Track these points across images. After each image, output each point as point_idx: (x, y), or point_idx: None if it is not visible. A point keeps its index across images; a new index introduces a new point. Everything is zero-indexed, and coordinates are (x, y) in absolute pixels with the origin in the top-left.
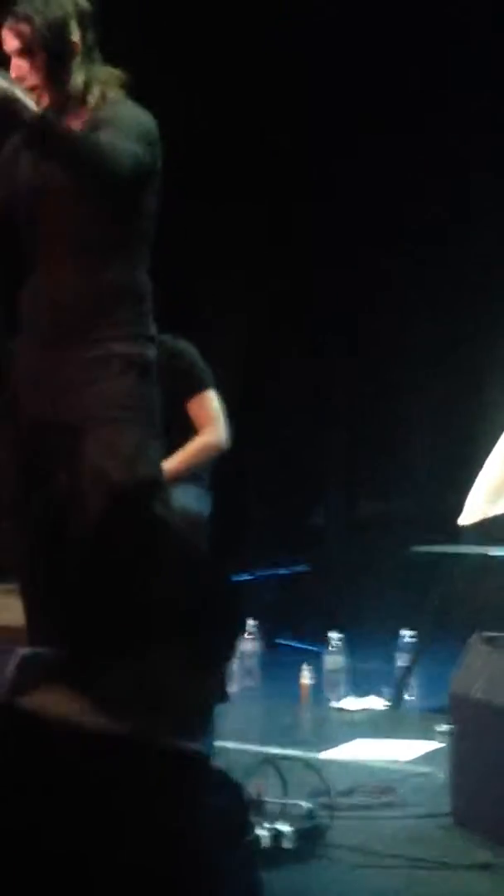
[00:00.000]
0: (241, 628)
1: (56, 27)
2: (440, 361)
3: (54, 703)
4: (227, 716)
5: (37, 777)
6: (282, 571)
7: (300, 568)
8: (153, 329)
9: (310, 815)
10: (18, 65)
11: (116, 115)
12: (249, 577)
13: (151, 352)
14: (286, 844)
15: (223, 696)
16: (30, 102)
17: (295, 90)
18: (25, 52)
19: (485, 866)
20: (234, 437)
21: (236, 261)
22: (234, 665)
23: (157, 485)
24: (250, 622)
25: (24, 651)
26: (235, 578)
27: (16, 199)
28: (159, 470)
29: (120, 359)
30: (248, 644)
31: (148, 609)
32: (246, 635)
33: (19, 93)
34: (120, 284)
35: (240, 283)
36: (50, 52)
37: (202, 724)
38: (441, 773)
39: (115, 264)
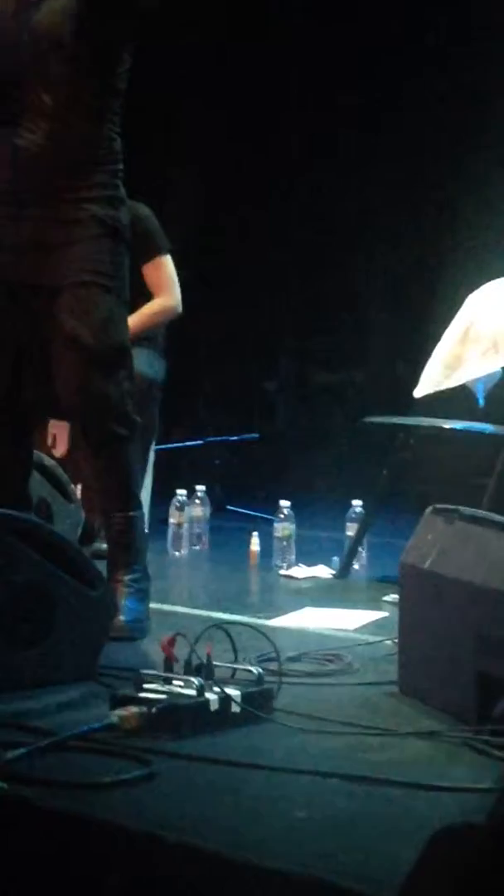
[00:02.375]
0: None
1: None
2: (398, 233)
3: None
4: (176, 580)
5: None
6: (233, 438)
7: (251, 435)
8: (124, 191)
9: (258, 679)
10: None
11: None
12: (200, 443)
13: (125, 215)
14: (235, 708)
15: None
16: None
17: None
18: None
19: (430, 733)
20: (190, 305)
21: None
22: (184, 530)
23: (126, 352)
24: (200, 487)
25: None
26: (187, 444)
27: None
28: (127, 337)
29: (97, 221)
30: (198, 509)
31: None
32: (196, 500)
33: None
34: (98, 146)
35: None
36: None
37: None
38: (388, 643)
39: (95, 125)
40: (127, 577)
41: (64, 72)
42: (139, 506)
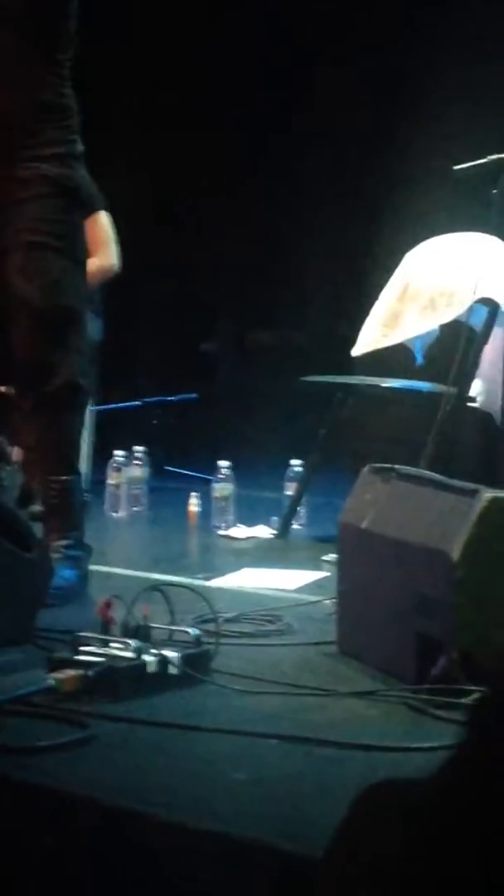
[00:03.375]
0: None
1: None
2: (337, 191)
3: None
4: (114, 541)
5: None
6: (171, 399)
7: (190, 396)
8: (80, 147)
9: (197, 641)
10: None
11: None
12: (139, 404)
13: (79, 173)
14: (172, 670)
15: None
16: None
17: None
18: None
19: (368, 693)
20: (127, 263)
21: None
22: (122, 491)
23: (77, 316)
24: (139, 448)
25: None
26: (125, 405)
27: None
28: (80, 299)
29: (48, 181)
30: (136, 470)
31: None
32: (134, 461)
33: None
34: (52, 102)
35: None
36: None
37: None
38: (327, 602)
39: (48, 81)
40: (59, 544)
41: (10, 39)
42: (76, 471)
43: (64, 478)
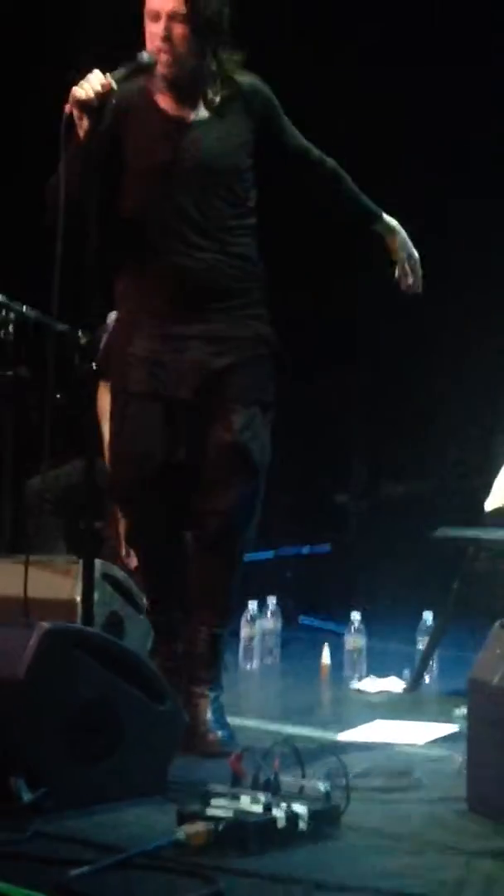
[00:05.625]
0: None
1: (220, 3)
2: (469, 343)
3: None
4: (246, 693)
5: None
6: (305, 550)
7: (323, 547)
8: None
9: (326, 796)
10: (170, 27)
11: None
12: (272, 555)
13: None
14: (302, 825)
15: None
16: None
17: None
18: (183, 17)
19: (499, 853)
20: None
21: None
22: (255, 642)
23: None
24: (272, 600)
25: (47, 625)
26: (259, 557)
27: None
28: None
29: (261, 340)
30: (269, 622)
31: None
32: (267, 613)
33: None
34: (255, 264)
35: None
36: (208, 26)
37: None
38: (458, 757)
39: (251, 244)
40: (211, 693)
41: (229, 194)
42: (231, 622)
43: (220, 629)
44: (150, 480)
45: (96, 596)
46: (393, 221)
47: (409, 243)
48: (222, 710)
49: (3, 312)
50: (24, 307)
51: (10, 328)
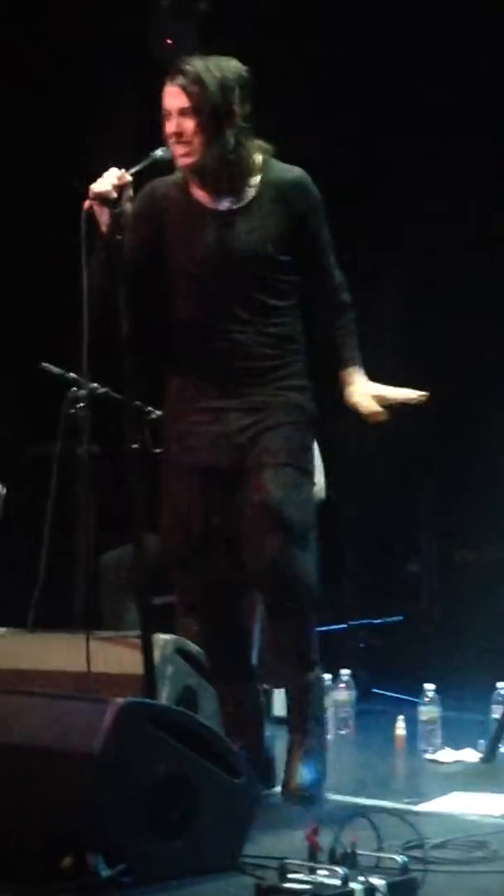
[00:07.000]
0: None
1: (225, 93)
2: None
3: None
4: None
5: None
6: (376, 621)
7: (395, 618)
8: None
9: (403, 868)
10: (180, 123)
11: None
12: (344, 627)
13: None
14: None
15: None
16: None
17: None
18: (191, 111)
19: None
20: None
21: None
22: (329, 714)
23: (313, 531)
24: (344, 672)
25: (121, 701)
26: (331, 628)
27: (194, 263)
28: (315, 517)
29: (297, 408)
30: (343, 693)
31: None
32: (340, 685)
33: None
34: (296, 339)
35: None
36: (215, 115)
37: None
38: None
39: (293, 322)
40: (302, 746)
41: (262, 281)
42: (314, 668)
43: (303, 678)
44: (195, 548)
45: (170, 670)
46: (359, 383)
47: (383, 389)
48: (315, 758)
49: (76, 389)
50: (95, 384)
51: (82, 405)
